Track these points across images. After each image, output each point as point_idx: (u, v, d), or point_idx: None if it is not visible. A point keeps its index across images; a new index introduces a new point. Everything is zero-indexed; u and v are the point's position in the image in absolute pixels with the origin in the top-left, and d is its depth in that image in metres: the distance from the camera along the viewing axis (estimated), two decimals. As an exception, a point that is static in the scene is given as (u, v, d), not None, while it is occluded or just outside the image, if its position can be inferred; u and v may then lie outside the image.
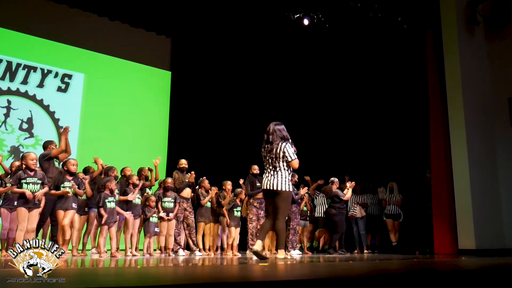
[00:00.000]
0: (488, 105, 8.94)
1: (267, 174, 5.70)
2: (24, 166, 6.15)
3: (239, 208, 8.44)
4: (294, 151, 5.71)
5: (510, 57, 8.97)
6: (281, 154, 5.59)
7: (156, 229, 7.67)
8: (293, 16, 10.40)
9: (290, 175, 5.70)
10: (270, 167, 5.66)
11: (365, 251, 9.88)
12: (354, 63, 11.52)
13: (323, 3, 10.30)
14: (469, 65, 8.80)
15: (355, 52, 11.36)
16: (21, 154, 6.64)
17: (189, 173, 8.24)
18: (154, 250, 7.91)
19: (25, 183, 6.00)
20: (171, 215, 7.75)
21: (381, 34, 10.59)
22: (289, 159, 5.58)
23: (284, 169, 5.63)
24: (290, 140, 5.75)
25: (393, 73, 10.90)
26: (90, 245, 7.81)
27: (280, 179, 5.58)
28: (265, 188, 5.69)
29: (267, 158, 5.69)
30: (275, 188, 5.57)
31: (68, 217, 6.46)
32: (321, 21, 10.51)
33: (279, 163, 5.61)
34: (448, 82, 8.82)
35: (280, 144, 5.62)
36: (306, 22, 10.53)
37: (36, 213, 6.14)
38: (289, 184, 5.65)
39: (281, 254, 5.53)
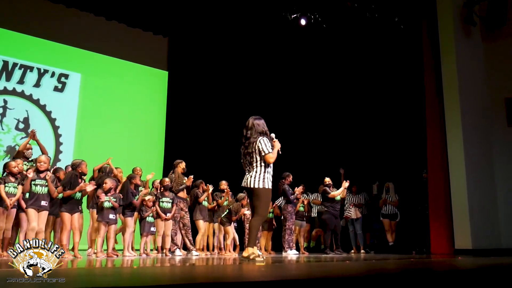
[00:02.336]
0: (485, 105, 8.95)
1: (246, 172, 5.44)
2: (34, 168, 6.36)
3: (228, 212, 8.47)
4: (274, 146, 5.42)
5: (506, 57, 9.00)
6: (257, 149, 5.33)
7: (152, 229, 7.67)
8: (290, 16, 10.41)
9: (268, 172, 5.36)
10: (247, 164, 5.40)
11: (362, 251, 9.90)
12: (351, 63, 11.53)
13: (320, 3, 10.31)
14: (465, 65, 8.82)
15: (352, 53, 11.37)
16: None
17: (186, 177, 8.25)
18: (151, 250, 7.92)
19: (34, 184, 6.20)
20: (168, 215, 7.75)
21: (378, 35, 10.61)
22: (263, 153, 5.30)
23: (261, 165, 5.33)
24: (269, 135, 5.52)
25: (390, 73, 10.92)
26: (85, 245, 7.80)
27: (256, 176, 5.30)
28: (243, 185, 5.43)
29: (246, 154, 5.41)
30: (251, 186, 5.30)
31: (76, 220, 6.52)
32: (318, 21, 10.52)
33: (256, 159, 5.34)
34: (444, 82, 8.84)
35: (257, 138, 5.38)
36: (303, 22, 10.55)
37: (43, 215, 6.20)
38: (265, 181, 5.31)
39: (246, 252, 5.21)
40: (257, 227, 5.35)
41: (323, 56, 11.77)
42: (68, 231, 6.47)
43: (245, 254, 5.22)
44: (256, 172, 5.32)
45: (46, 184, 6.23)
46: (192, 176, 8.21)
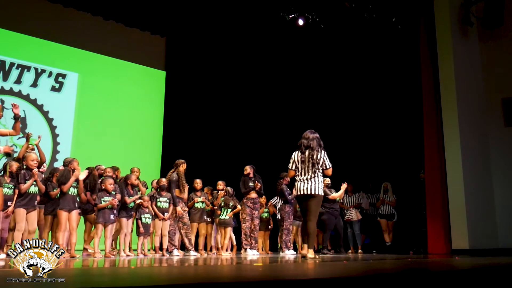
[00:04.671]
0: (482, 105, 8.98)
1: (302, 179, 5.98)
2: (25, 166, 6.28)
3: (229, 210, 8.44)
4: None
5: (503, 57, 9.03)
6: (321, 161, 5.96)
7: (143, 230, 7.67)
8: (288, 16, 10.42)
9: None
10: (309, 172, 5.97)
11: (359, 251, 9.90)
12: (349, 63, 11.53)
13: (318, 3, 10.32)
14: (462, 65, 8.85)
15: (350, 53, 11.38)
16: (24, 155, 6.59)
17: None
18: (148, 250, 7.91)
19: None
20: (166, 215, 7.75)
21: (376, 35, 10.62)
22: (327, 167, 6.01)
23: (320, 174, 6.00)
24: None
25: (387, 73, 10.93)
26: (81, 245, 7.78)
27: (318, 184, 5.94)
28: (301, 193, 5.96)
29: (307, 163, 5.98)
30: (313, 192, 5.89)
31: (74, 219, 6.50)
32: (316, 22, 10.53)
33: (317, 169, 5.96)
34: (442, 82, 8.87)
35: (320, 151, 6.00)
36: (301, 22, 10.55)
37: (34, 214, 6.17)
38: (322, 189, 6.03)
39: (311, 253, 5.78)
40: (315, 229, 6.12)
41: (321, 56, 11.77)
42: (64, 231, 6.43)
43: (311, 255, 5.76)
44: (318, 181, 5.97)
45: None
46: (199, 200, 8.42)
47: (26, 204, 6.10)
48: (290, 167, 6.13)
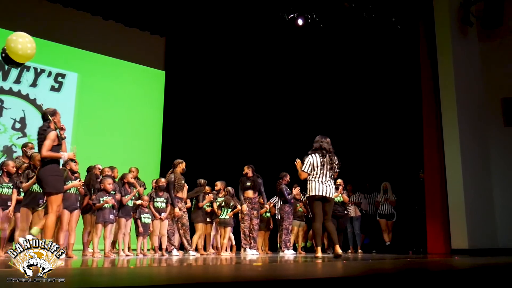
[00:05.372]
0: (481, 105, 8.99)
1: (320, 181, 6.19)
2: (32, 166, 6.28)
3: (229, 210, 8.41)
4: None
5: (502, 57, 9.04)
6: (335, 165, 6.26)
7: (143, 230, 7.66)
8: (287, 16, 10.41)
9: None
10: (326, 175, 6.22)
11: (359, 251, 9.90)
12: (348, 63, 11.53)
13: (317, 3, 10.32)
14: (462, 65, 8.85)
15: (349, 53, 11.37)
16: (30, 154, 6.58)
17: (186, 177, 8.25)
18: (148, 250, 7.90)
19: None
20: (163, 215, 7.74)
21: (375, 35, 10.62)
22: (337, 170, 6.34)
23: (333, 177, 6.32)
24: None
25: (387, 73, 10.93)
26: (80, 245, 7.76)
27: (333, 188, 6.27)
28: (321, 194, 6.14)
29: (326, 167, 6.21)
30: (331, 196, 6.21)
31: (75, 219, 6.49)
32: (315, 22, 10.53)
33: (332, 173, 6.27)
34: (441, 82, 8.87)
35: (335, 156, 6.32)
36: (300, 22, 10.55)
37: (40, 213, 6.17)
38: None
39: (338, 249, 6.02)
40: (334, 227, 6.34)
41: (320, 56, 11.76)
42: (65, 231, 6.43)
43: (339, 251, 6.03)
44: (333, 184, 6.28)
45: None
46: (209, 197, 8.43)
47: (29, 204, 6.09)
48: (306, 170, 6.21)
